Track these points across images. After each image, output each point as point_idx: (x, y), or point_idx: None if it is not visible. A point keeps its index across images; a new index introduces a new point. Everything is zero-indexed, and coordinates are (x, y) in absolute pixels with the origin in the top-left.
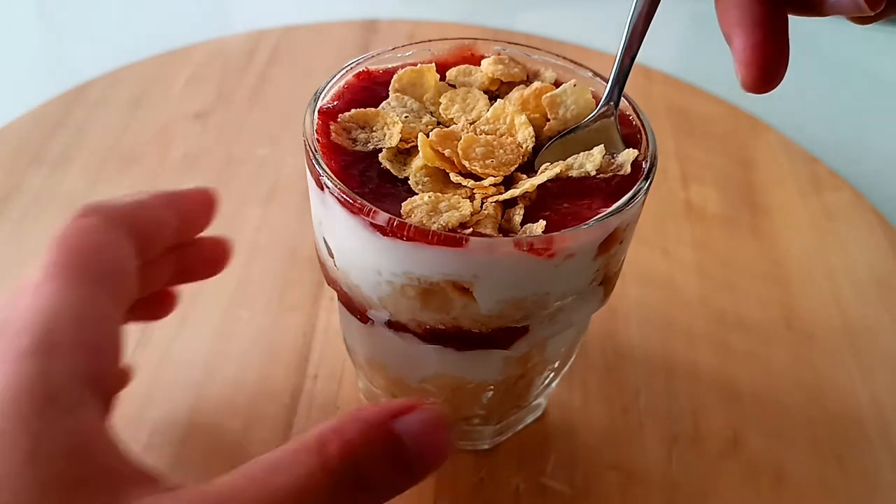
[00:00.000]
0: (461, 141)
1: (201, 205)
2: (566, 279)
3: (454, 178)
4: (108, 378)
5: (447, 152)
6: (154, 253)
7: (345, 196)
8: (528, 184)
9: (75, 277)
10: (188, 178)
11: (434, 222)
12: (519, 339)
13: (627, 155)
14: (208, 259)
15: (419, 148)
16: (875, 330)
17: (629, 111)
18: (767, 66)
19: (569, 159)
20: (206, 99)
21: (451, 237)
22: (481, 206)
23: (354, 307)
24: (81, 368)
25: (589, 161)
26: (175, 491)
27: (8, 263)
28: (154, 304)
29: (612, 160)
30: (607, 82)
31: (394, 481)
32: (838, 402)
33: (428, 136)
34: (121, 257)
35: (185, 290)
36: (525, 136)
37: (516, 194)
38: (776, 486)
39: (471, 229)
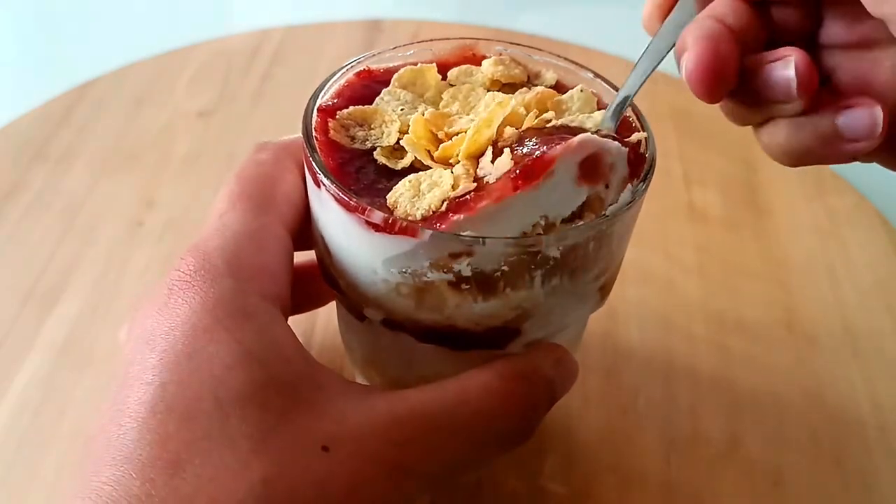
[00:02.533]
0: (449, 118)
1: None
2: (550, 203)
3: (426, 161)
4: (286, 300)
5: (441, 134)
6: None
7: (339, 193)
8: (486, 110)
9: (252, 206)
10: (190, 176)
11: (418, 208)
12: (513, 340)
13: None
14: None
15: (411, 125)
16: (876, 333)
17: (629, 113)
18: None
19: (569, 117)
20: (209, 98)
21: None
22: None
23: (352, 305)
24: (267, 289)
25: (590, 121)
26: (371, 397)
27: (11, 260)
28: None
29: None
30: (608, 83)
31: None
32: (838, 406)
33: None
34: (289, 186)
35: None
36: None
37: (475, 124)
38: (774, 489)
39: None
